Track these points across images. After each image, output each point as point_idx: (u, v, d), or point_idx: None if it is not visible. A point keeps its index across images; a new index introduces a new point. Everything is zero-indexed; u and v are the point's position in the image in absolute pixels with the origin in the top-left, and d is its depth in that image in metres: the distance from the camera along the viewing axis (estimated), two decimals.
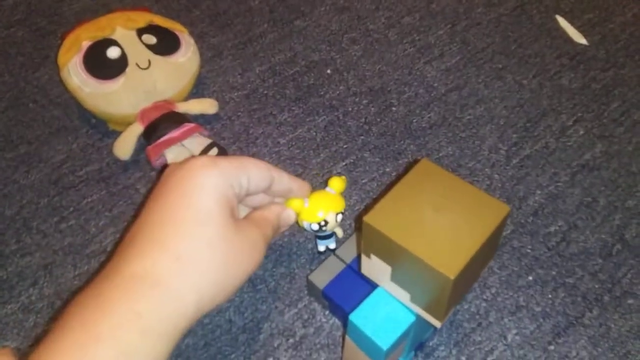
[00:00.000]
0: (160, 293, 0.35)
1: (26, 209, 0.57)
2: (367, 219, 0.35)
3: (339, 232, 0.52)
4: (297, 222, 0.49)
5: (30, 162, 0.60)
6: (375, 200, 0.36)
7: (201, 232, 0.37)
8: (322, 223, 0.47)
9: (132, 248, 0.37)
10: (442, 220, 0.35)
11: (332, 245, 0.52)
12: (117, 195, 0.58)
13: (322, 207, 0.47)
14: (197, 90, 0.66)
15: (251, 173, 0.41)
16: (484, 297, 0.50)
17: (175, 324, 0.35)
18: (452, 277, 0.32)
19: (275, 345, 0.48)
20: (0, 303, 0.50)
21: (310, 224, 0.48)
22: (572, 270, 0.52)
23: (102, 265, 0.52)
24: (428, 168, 0.38)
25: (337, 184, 0.49)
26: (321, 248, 0.52)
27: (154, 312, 0.34)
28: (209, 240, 0.37)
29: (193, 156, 0.38)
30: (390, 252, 0.35)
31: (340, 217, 0.48)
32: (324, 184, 0.58)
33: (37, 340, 0.47)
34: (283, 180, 0.44)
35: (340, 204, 0.48)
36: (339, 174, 0.59)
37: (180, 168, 0.39)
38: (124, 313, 0.34)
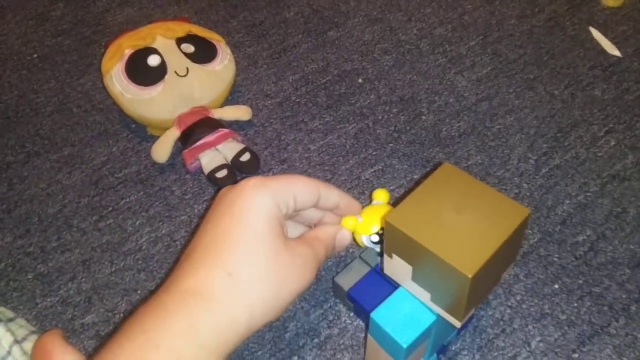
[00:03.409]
0: (213, 307, 0.37)
1: (67, 207, 0.60)
2: (388, 218, 0.36)
3: None
4: (355, 241, 0.49)
5: (72, 164, 0.63)
6: (398, 201, 0.37)
7: (251, 250, 0.39)
8: (381, 232, 0.47)
9: (187, 264, 0.40)
10: (463, 221, 0.36)
11: None
12: (154, 197, 0.60)
13: (376, 218, 0.47)
14: (233, 97, 0.69)
15: (298, 191, 0.43)
16: (509, 303, 0.50)
17: (227, 338, 0.37)
18: (470, 275, 0.33)
19: (301, 344, 0.49)
20: (41, 296, 0.53)
21: (370, 237, 0.47)
22: (599, 279, 0.52)
23: (136, 264, 0.55)
24: (450, 171, 0.39)
25: (381, 194, 0.49)
26: None
27: (208, 325, 0.37)
28: (258, 258, 0.39)
29: (245, 177, 0.42)
30: (411, 252, 0.36)
31: None
32: (352, 190, 0.59)
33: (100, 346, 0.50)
34: (331, 195, 0.46)
35: None
36: (374, 185, 0.60)
37: (233, 189, 0.42)
38: (181, 324, 0.36)
